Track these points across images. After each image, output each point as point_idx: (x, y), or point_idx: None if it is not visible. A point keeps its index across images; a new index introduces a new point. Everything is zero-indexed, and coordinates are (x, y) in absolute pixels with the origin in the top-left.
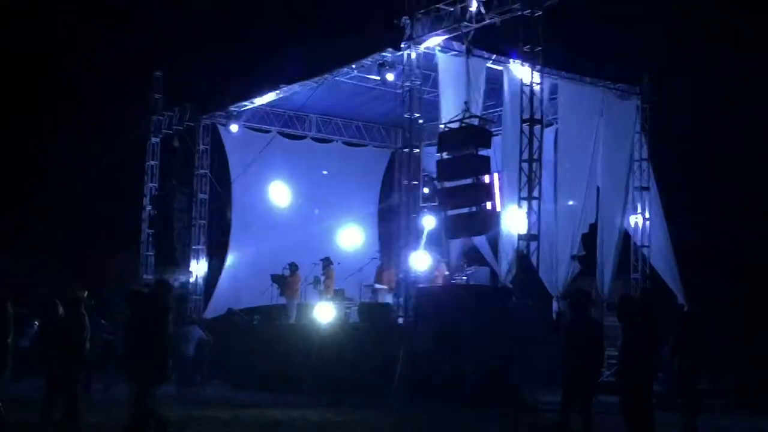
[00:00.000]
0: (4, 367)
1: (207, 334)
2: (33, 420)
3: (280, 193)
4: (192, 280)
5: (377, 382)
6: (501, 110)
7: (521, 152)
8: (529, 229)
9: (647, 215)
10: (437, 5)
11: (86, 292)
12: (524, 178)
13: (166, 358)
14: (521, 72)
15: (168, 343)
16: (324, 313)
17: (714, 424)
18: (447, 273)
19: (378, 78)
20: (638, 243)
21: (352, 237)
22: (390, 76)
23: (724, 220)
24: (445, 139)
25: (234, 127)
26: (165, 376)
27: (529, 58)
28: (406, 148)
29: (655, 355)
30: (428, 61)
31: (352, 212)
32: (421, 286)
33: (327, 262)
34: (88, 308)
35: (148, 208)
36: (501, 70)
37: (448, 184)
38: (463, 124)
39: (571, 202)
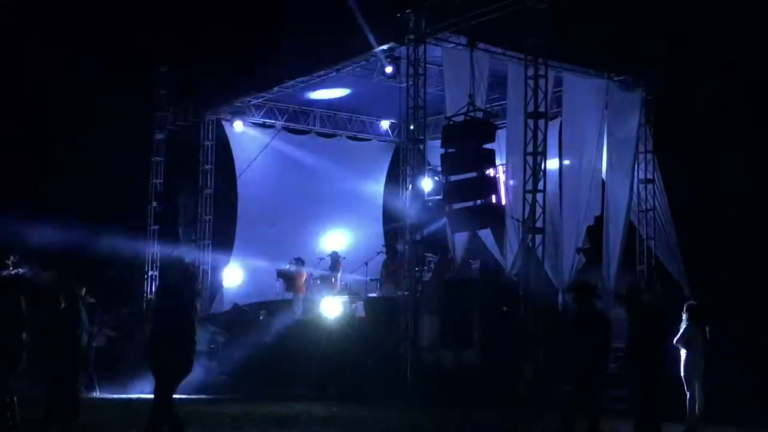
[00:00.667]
0: (19, 362)
1: (220, 331)
2: (34, 417)
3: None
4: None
5: (383, 376)
6: (505, 103)
7: (526, 145)
8: (535, 222)
9: (652, 207)
10: None
11: (84, 289)
12: (529, 171)
13: (193, 350)
14: (525, 65)
15: (195, 336)
16: (330, 307)
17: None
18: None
19: (382, 72)
20: (644, 235)
21: (356, 232)
22: (389, 69)
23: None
24: (450, 133)
25: (239, 125)
26: (190, 368)
27: (533, 51)
28: (410, 142)
29: (662, 348)
30: (432, 54)
31: (357, 206)
32: (426, 280)
33: (334, 256)
34: (88, 305)
35: (154, 203)
36: (505, 63)
37: (452, 178)
38: (468, 118)
39: (575, 195)
